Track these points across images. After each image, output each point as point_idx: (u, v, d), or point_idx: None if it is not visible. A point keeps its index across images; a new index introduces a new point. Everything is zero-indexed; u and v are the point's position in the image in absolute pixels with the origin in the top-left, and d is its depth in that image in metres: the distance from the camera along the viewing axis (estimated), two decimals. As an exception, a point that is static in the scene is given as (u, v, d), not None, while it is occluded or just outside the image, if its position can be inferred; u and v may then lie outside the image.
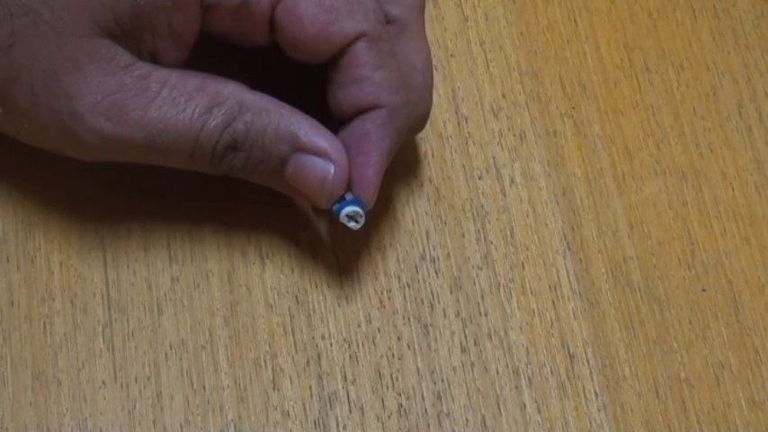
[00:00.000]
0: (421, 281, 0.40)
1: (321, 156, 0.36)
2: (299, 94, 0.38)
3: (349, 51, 0.36)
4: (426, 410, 0.38)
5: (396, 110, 0.37)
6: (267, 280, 0.39)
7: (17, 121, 0.36)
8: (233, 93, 0.36)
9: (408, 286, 0.40)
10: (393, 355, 0.39)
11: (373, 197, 0.37)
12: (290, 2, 0.36)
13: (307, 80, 0.38)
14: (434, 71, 0.42)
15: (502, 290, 0.40)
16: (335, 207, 0.37)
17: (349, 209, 0.37)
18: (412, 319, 0.40)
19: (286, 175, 0.37)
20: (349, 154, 0.37)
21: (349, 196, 0.37)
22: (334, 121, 0.37)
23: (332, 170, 0.36)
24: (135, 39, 0.35)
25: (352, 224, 0.37)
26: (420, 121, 0.39)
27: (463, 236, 0.41)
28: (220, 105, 0.36)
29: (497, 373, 0.39)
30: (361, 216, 0.37)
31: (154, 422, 0.37)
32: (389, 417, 0.38)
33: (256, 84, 0.37)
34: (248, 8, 0.36)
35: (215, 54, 0.37)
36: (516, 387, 0.39)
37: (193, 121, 0.35)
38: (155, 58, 0.36)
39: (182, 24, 0.35)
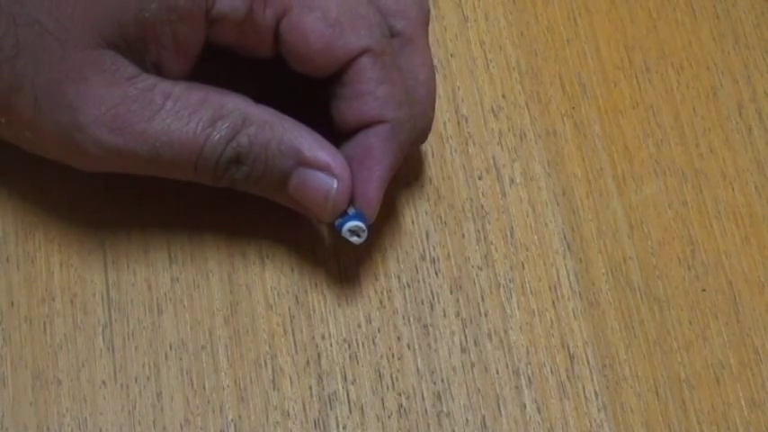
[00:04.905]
0: (421, 281, 0.40)
1: (324, 170, 0.36)
2: (303, 107, 0.38)
3: (353, 66, 0.36)
4: (426, 410, 0.38)
5: (399, 124, 0.37)
6: (267, 280, 0.39)
7: (19, 131, 0.36)
8: (237, 106, 0.36)
9: (408, 286, 0.40)
10: (393, 355, 0.39)
11: (375, 212, 0.37)
12: (295, 16, 0.36)
13: (311, 93, 0.38)
14: (435, 73, 0.42)
15: (502, 290, 0.40)
16: (338, 222, 0.37)
17: (351, 224, 0.37)
18: (412, 319, 0.40)
19: (289, 189, 0.37)
20: (352, 168, 0.37)
21: (351, 211, 0.37)
22: (338, 135, 0.37)
23: (335, 185, 0.36)
24: (139, 50, 0.35)
25: (354, 239, 0.37)
26: (422, 134, 0.39)
27: (463, 236, 0.41)
28: (224, 118, 0.36)
29: (497, 373, 0.39)
30: (363, 231, 0.37)
31: (154, 422, 0.37)
32: (389, 417, 0.38)
33: (260, 96, 0.37)
34: (253, 22, 0.36)
35: (219, 66, 0.37)
36: (516, 387, 0.39)
37: (197, 134, 0.35)
38: (159, 70, 0.36)
39: (186, 37, 0.35)
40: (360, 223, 0.37)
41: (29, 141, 0.37)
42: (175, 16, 0.35)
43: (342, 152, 0.37)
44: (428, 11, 0.39)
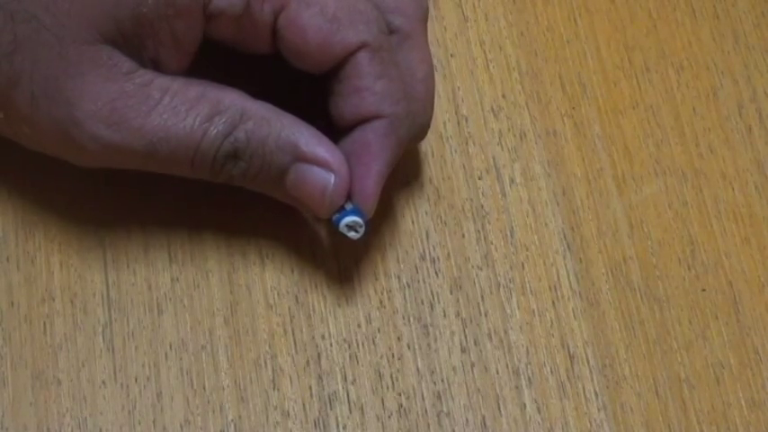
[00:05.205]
0: (421, 281, 0.40)
1: (322, 166, 0.36)
2: (302, 102, 0.38)
3: (350, 61, 0.36)
4: (426, 410, 0.38)
5: (397, 120, 0.37)
6: (267, 280, 0.39)
7: (17, 126, 0.36)
8: (234, 101, 0.36)
9: (408, 286, 0.40)
10: (393, 355, 0.39)
11: (373, 207, 0.37)
12: (293, 11, 0.36)
13: (309, 88, 0.38)
14: (434, 72, 0.42)
15: (502, 290, 0.40)
16: (335, 217, 0.37)
17: (349, 219, 0.37)
18: (412, 319, 0.40)
19: (286, 185, 0.37)
20: (349, 164, 0.37)
21: (349, 206, 0.37)
22: (336, 131, 0.37)
23: (332, 180, 0.36)
24: (137, 46, 0.35)
25: (351, 234, 0.37)
26: (421, 130, 0.39)
27: (463, 236, 0.41)
28: (222, 114, 0.36)
29: (497, 373, 0.39)
30: (360, 226, 0.37)
31: (154, 422, 0.37)
32: (389, 417, 0.38)
33: (258, 92, 0.37)
34: (250, 17, 0.36)
35: (217, 62, 0.37)
36: (516, 387, 0.39)
37: (194, 129, 0.35)
38: (157, 66, 0.36)
39: (184, 32, 0.35)
40: (357, 218, 0.37)
41: (27, 137, 0.37)
42: (173, 11, 0.35)
43: (340, 148, 0.37)
44: (426, 8, 0.39)
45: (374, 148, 0.37)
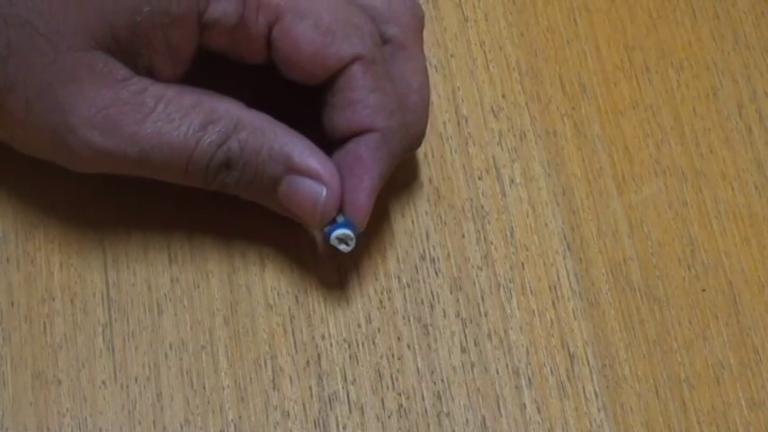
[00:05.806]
0: (421, 281, 0.40)
1: (313, 178, 0.36)
2: (296, 113, 0.38)
3: (344, 74, 0.36)
4: (426, 410, 0.38)
5: (390, 133, 0.37)
6: (267, 280, 0.39)
7: (12, 131, 0.36)
8: (229, 110, 0.36)
9: (408, 286, 0.40)
10: (393, 355, 0.39)
11: (364, 220, 0.37)
12: (287, 23, 0.36)
13: (304, 99, 0.38)
14: (434, 72, 0.42)
15: (502, 290, 0.40)
16: (327, 229, 0.37)
17: (339, 231, 0.37)
18: (412, 320, 0.40)
19: (278, 195, 0.37)
20: (342, 176, 0.37)
21: (340, 219, 0.37)
22: (329, 142, 0.37)
23: (324, 193, 0.36)
24: (132, 54, 0.35)
25: (342, 247, 0.37)
26: (415, 141, 0.39)
27: (463, 236, 0.41)
28: (215, 123, 0.36)
29: (497, 373, 0.39)
30: (351, 239, 0.37)
31: (154, 422, 0.37)
32: (389, 417, 0.38)
33: (253, 101, 0.37)
34: (245, 28, 0.36)
35: (213, 70, 0.37)
36: (516, 387, 0.39)
37: (188, 137, 0.35)
38: (151, 74, 0.36)
39: (179, 41, 0.35)
40: (348, 231, 0.37)
41: (21, 141, 0.37)
42: (167, 20, 0.35)
43: (333, 159, 0.37)
44: (422, 17, 0.39)
45: (366, 161, 0.37)
